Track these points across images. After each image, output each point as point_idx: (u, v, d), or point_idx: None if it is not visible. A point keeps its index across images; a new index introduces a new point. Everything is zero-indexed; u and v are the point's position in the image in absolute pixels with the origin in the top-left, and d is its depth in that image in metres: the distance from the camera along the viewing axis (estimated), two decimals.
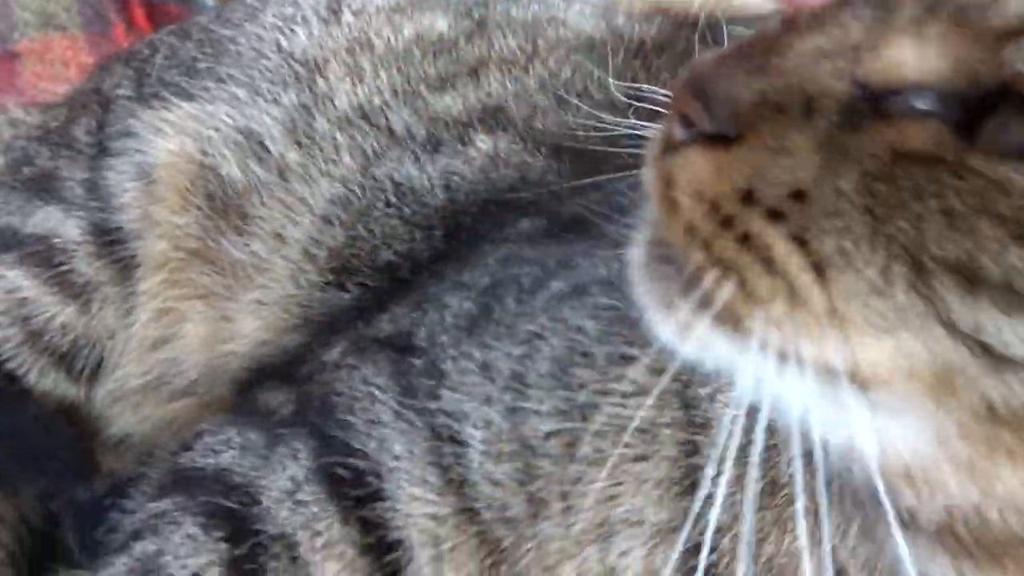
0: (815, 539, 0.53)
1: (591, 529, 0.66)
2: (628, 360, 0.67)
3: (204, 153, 1.01)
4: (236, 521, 0.75)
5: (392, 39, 1.05)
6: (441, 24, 1.07)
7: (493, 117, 0.98)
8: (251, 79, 1.04)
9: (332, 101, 1.01)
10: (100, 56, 1.27)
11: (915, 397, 0.43)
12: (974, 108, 0.42)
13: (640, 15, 1.07)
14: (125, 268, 1.01)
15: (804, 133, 0.44)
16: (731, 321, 0.45)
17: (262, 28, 1.08)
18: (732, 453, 0.49)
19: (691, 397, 0.64)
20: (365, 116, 1.00)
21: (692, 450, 0.63)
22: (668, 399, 0.64)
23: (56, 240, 1.01)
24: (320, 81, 1.03)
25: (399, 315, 0.84)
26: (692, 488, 0.62)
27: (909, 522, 0.48)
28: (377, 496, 0.73)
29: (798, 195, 0.44)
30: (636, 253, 0.50)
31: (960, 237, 0.41)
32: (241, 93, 1.03)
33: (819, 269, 0.43)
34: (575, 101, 0.96)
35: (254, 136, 1.01)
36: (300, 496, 0.75)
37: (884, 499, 0.45)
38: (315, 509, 0.74)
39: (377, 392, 0.77)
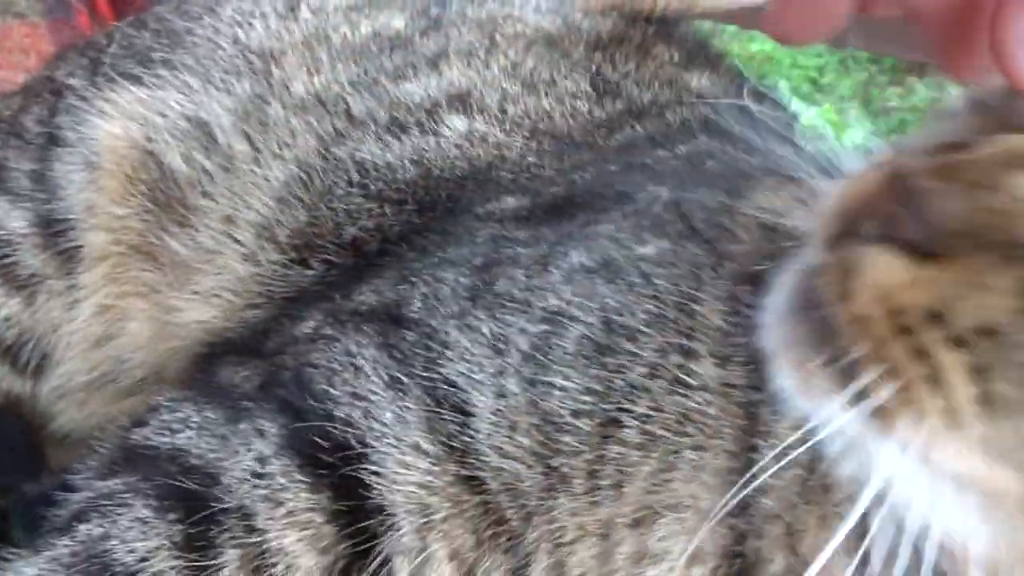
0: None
1: (631, 511, 0.65)
2: (690, 354, 0.67)
3: (149, 139, 0.99)
4: (193, 502, 0.72)
5: (349, 35, 1.05)
6: (398, 22, 1.06)
7: (462, 101, 0.97)
8: (205, 69, 1.02)
9: (288, 88, 1.00)
10: (62, 45, 1.25)
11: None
12: None
13: (594, 11, 1.07)
14: (70, 260, 0.99)
15: (1007, 275, 0.47)
16: (881, 416, 0.49)
17: (220, 22, 1.07)
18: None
19: (756, 411, 0.65)
20: (322, 103, 0.99)
21: (752, 448, 0.64)
22: (735, 406, 0.65)
23: (1, 232, 0.99)
24: (276, 71, 1.01)
25: (383, 288, 0.82)
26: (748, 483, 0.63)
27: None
28: (358, 460, 0.71)
29: (986, 331, 0.47)
30: (780, 301, 0.54)
31: None
32: (193, 81, 1.02)
33: (988, 403, 0.47)
34: (543, 89, 0.97)
35: (202, 125, 0.99)
36: (266, 471, 0.72)
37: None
38: (282, 481, 0.71)
39: (364, 364, 0.75)
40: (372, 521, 0.70)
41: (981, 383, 0.47)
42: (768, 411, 0.64)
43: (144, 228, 0.97)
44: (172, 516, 0.71)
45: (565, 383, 0.69)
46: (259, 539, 0.70)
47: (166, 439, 0.77)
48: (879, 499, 0.51)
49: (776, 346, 0.54)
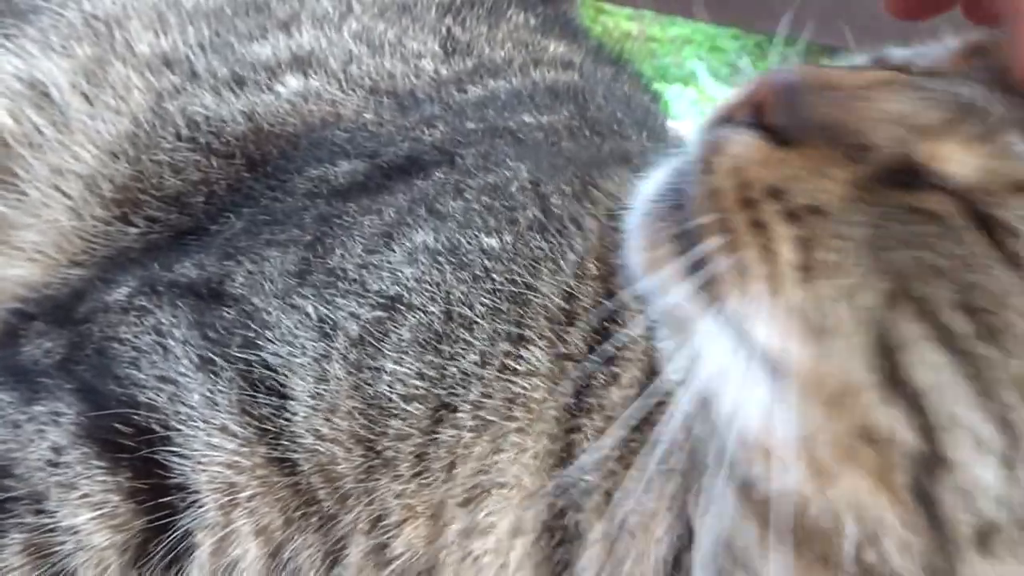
0: (673, 499, 0.63)
1: (462, 491, 0.67)
2: (523, 341, 0.69)
3: None
4: None
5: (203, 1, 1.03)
6: None
7: (305, 62, 0.96)
8: (45, 36, 1.00)
9: (132, 48, 0.98)
10: None
11: (815, 399, 0.50)
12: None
13: None
14: None
15: (847, 169, 0.52)
16: (712, 290, 0.52)
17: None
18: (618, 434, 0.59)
19: (585, 386, 0.68)
20: (167, 62, 0.97)
21: (574, 429, 0.67)
22: (563, 385, 0.68)
23: None
24: (119, 34, 0.99)
25: (205, 262, 0.79)
26: (565, 461, 0.66)
27: (741, 489, 0.55)
28: (161, 443, 0.69)
29: (817, 210, 0.51)
30: (645, 195, 0.57)
31: (932, 284, 0.49)
32: (32, 47, 0.99)
33: (807, 271, 0.51)
34: (388, 50, 0.96)
35: (37, 85, 0.96)
36: (62, 460, 0.69)
37: (729, 463, 0.53)
38: (79, 468, 0.69)
39: (174, 345, 0.73)
40: (172, 497, 0.69)
41: (803, 253, 0.51)
42: (599, 383, 0.67)
43: None
44: None
45: (396, 368, 0.68)
46: (48, 520, 0.68)
47: None
48: (695, 399, 0.54)
49: (634, 227, 0.57)
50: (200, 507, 0.68)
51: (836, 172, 0.52)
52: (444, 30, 1.00)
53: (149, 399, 0.70)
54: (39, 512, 0.68)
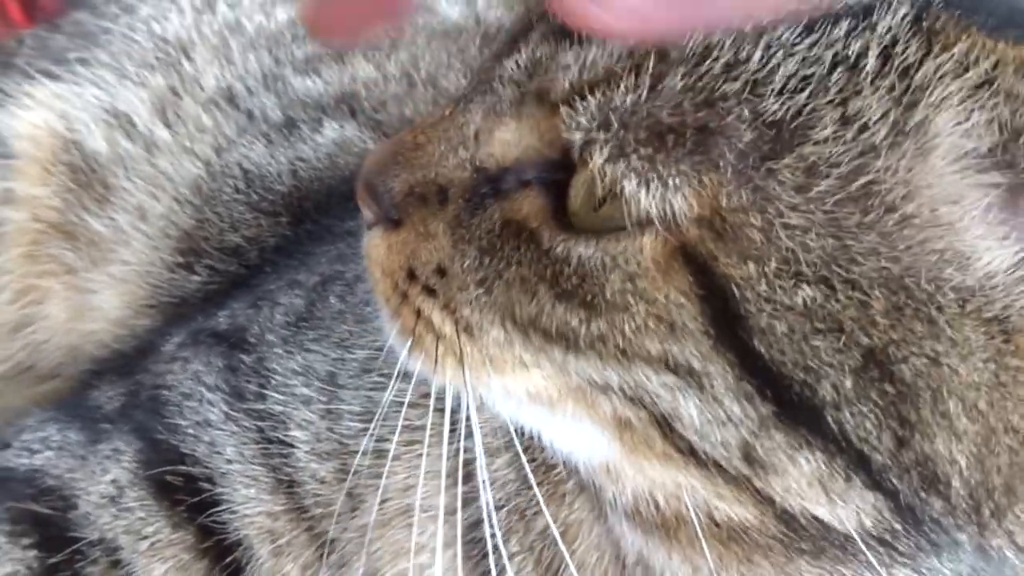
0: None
1: (398, 516, 0.68)
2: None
3: (69, 129, 1.00)
4: (48, 527, 0.72)
5: (264, 22, 1.05)
6: None
7: (346, 103, 0.98)
8: (120, 64, 1.04)
9: (199, 83, 1.01)
10: None
11: (579, 411, 0.53)
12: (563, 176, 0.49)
13: (502, 1, 1.07)
14: None
15: (439, 218, 0.53)
16: (434, 366, 0.54)
17: (137, 19, 1.09)
18: (482, 451, 0.59)
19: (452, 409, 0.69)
20: (231, 99, 1.00)
21: (456, 450, 0.68)
22: (435, 411, 0.67)
23: None
24: (186, 63, 1.02)
25: (237, 310, 0.84)
26: (466, 478, 0.67)
27: (614, 505, 0.58)
28: (212, 502, 0.73)
29: (441, 272, 0.53)
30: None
31: (528, 297, 0.50)
32: (109, 76, 1.03)
33: (468, 331, 0.53)
34: (420, 88, 0.98)
35: (122, 115, 1.01)
36: (123, 501, 0.73)
37: (597, 488, 0.57)
38: (141, 514, 0.72)
39: (206, 392, 0.77)
40: (236, 554, 0.72)
41: (452, 315, 0.53)
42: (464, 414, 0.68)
43: (64, 207, 0.99)
44: (26, 541, 0.71)
45: (351, 407, 0.71)
46: (124, 572, 0.71)
47: (24, 460, 0.77)
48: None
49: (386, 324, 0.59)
50: (258, 559, 0.72)
51: (436, 225, 0.53)
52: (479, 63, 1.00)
53: (192, 449, 0.74)
54: (115, 563, 0.71)
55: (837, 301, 0.47)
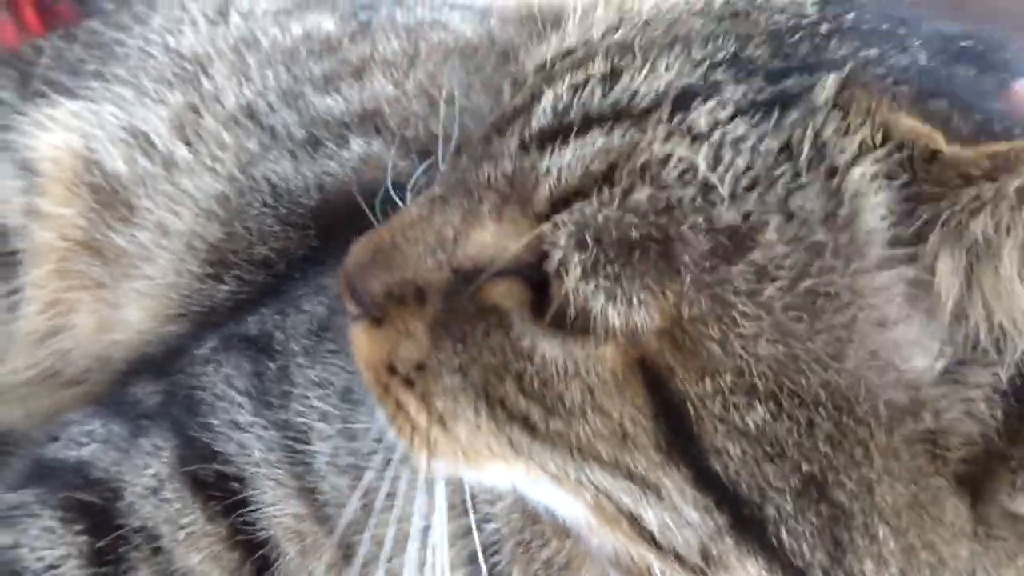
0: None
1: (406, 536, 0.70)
2: None
3: (89, 149, 1.02)
4: (96, 515, 0.77)
5: (280, 37, 1.07)
6: (328, 24, 1.09)
7: (370, 120, 1.00)
8: (137, 80, 1.05)
9: (219, 100, 1.03)
10: None
11: (553, 486, 0.55)
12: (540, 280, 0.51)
13: (513, 19, 1.09)
14: (7, 266, 1.02)
15: (418, 318, 0.55)
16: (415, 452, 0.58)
17: (151, 31, 1.10)
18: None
19: None
20: (252, 115, 1.02)
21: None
22: None
23: None
24: (205, 80, 1.04)
25: (266, 316, 0.87)
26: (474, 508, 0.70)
27: (599, 552, 0.60)
28: (243, 503, 0.77)
29: (421, 367, 0.55)
30: None
31: (497, 384, 0.53)
32: (127, 93, 1.05)
33: (442, 422, 0.55)
34: (441, 106, 0.98)
35: (140, 134, 1.02)
36: (163, 494, 0.78)
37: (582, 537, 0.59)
38: (178, 506, 0.77)
39: (236, 395, 0.80)
40: (265, 550, 0.77)
41: (428, 409, 0.56)
42: None
43: (89, 225, 1.01)
44: (77, 527, 0.77)
45: (367, 424, 0.74)
46: (165, 559, 0.77)
47: (72, 452, 0.82)
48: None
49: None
50: (286, 555, 0.77)
51: (415, 325, 0.55)
52: (497, 82, 1.01)
53: (223, 448, 0.78)
54: (156, 550, 0.77)
55: (785, 421, 0.48)
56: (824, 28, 0.54)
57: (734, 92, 0.49)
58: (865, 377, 0.47)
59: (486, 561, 0.69)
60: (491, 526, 0.71)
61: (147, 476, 0.79)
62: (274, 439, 0.78)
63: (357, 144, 0.99)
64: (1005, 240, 0.45)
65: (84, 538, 0.77)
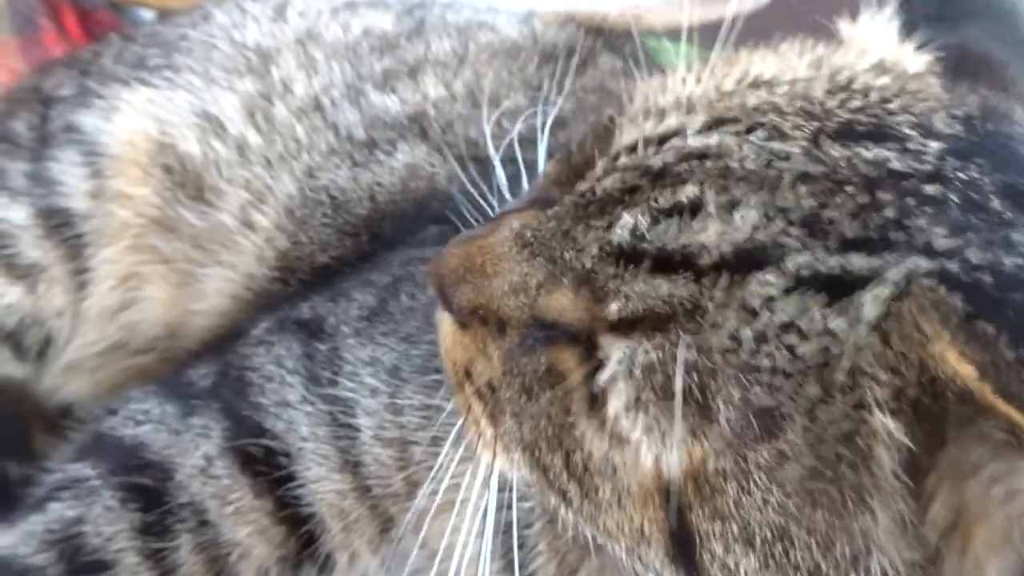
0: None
1: (447, 505, 0.73)
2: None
3: (163, 133, 1.06)
4: (150, 495, 0.82)
5: (341, 33, 1.11)
6: (385, 22, 1.12)
7: (417, 123, 1.04)
8: (205, 69, 1.09)
9: (291, 90, 1.07)
10: (31, 60, 1.31)
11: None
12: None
13: (555, 21, 1.12)
14: (74, 248, 1.06)
15: (497, 345, 0.59)
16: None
17: (215, 27, 1.14)
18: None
19: None
20: (320, 109, 1.06)
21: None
22: None
23: (1, 224, 1.04)
24: (274, 70, 1.08)
25: (318, 303, 0.91)
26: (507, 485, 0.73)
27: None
28: (289, 477, 0.81)
29: (492, 387, 0.59)
30: None
31: (546, 449, 0.58)
32: (196, 81, 1.08)
33: (501, 439, 0.60)
34: (484, 108, 1.00)
35: (213, 118, 1.06)
36: (212, 471, 0.82)
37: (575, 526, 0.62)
38: (227, 482, 0.81)
39: (287, 375, 0.84)
40: (309, 526, 0.81)
41: (493, 425, 0.60)
42: None
43: (162, 203, 1.05)
44: (133, 506, 0.82)
45: (411, 400, 0.79)
46: (212, 532, 0.81)
47: (129, 430, 0.87)
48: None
49: None
50: (329, 531, 0.81)
51: (492, 349, 0.59)
52: (537, 83, 1.04)
53: (272, 425, 0.82)
54: (203, 523, 0.80)
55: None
56: (930, 190, 0.51)
57: (796, 260, 0.50)
58: (845, 569, 0.51)
59: (518, 533, 0.73)
60: (527, 504, 0.75)
61: (197, 457, 0.83)
62: (321, 415, 0.82)
63: (402, 151, 1.02)
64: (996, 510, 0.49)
65: (138, 515, 0.82)
